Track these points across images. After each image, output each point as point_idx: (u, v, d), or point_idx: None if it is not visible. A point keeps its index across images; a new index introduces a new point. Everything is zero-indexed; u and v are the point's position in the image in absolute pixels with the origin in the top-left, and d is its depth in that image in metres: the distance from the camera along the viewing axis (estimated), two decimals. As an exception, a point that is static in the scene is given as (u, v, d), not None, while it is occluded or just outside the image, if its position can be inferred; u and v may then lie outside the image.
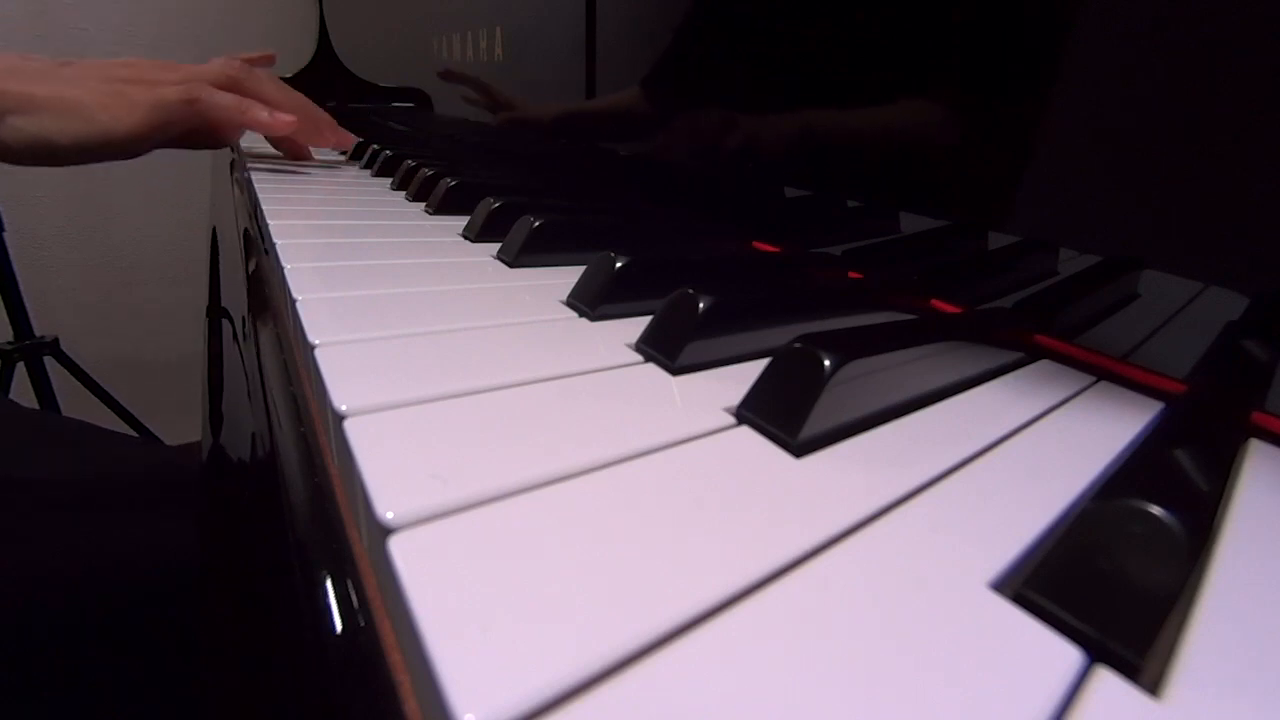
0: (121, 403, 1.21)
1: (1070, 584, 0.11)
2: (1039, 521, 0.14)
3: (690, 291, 0.21)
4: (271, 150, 0.68)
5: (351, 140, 0.70)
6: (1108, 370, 0.24)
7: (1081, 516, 0.12)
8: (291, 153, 0.65)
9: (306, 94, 0.67)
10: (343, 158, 0.72)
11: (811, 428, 0.16)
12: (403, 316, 0.23)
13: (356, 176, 0.60)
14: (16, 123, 0.46)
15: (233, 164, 0.65)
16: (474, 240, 0.37)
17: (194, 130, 0.54)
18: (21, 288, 1.09)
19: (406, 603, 0.10)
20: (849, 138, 0.32)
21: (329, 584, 0.14)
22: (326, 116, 0.68)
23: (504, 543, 0.12)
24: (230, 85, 0.56)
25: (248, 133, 0.76)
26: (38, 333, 1.12)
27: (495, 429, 0.16)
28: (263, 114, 0.56)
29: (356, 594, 0.13)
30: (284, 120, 0.57)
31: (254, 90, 0.58)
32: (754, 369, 0.19)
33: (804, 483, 0.15)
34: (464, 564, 0.11)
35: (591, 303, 0.26)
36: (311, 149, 0.67)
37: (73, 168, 0.50)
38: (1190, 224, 0.21)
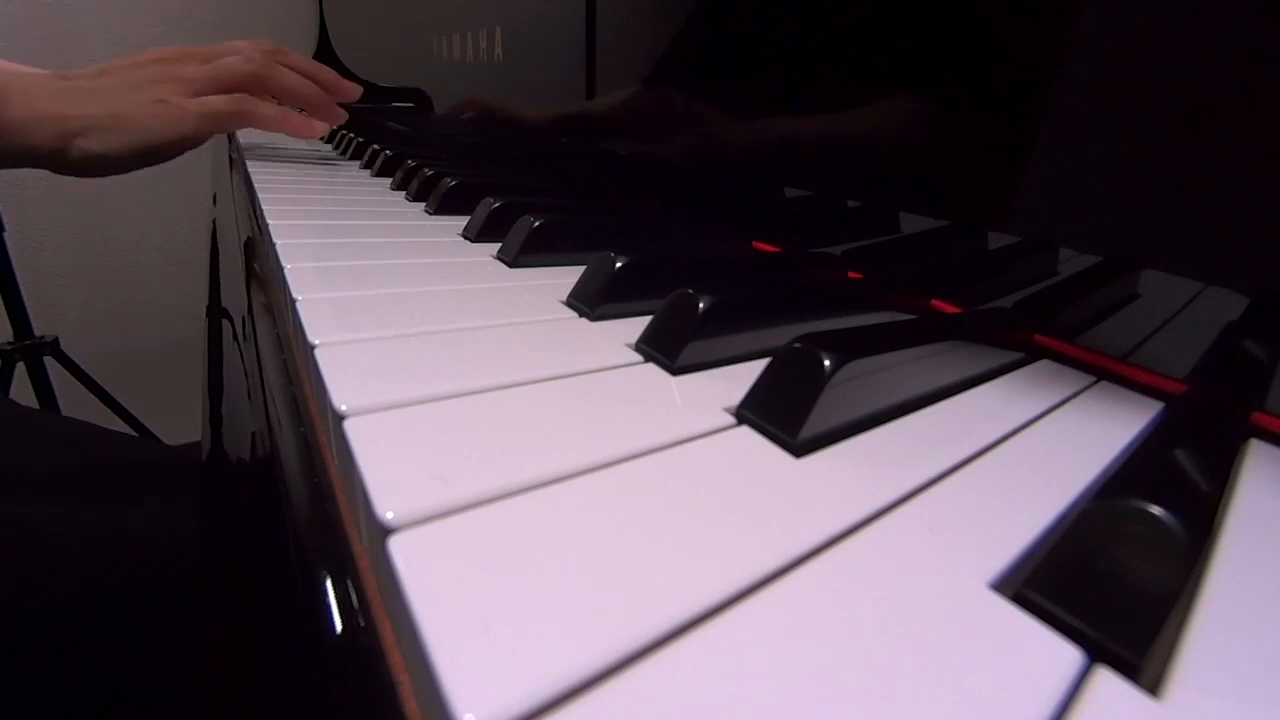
0: (121, 403, 1.21)
1: (1070, 584, 0.11)
2: (1039, 521, 0.14)
3: (690, 291, 0.21)
4: (272, 142, 0.68)
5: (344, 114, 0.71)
6: (1108, 370, 0.24)
7: (1081, 516, 0.12)
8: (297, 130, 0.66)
9: None
10: (342, 156, 0.72)
11: (811, 427, 0.16)
12: (403, 316, 0.23)
13: (356, 176, 0.60)
14: (81, 144, 0.49)
15: (232, 162, 0.65)
16: (474, 240, 0.37)
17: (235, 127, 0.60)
18: (21, 288, 1.09)
19: (406, 603, 0.10)
20: (849, 138, 0.32)
21: (329, 584, 0.14)
22: (342, 85, 0.68)
23: (504, 543, 0.12)
24: (254, 81, 0.60)
25: (248, 130, 0.76)
26: (38, 333, 1.12)
27: (495, 429, 0.16)
28: (297, 124, 0.62)
29: (356, 594, 0.13)
30: (316, 128, 0.63)
31: (277, 85, 0.62)
32: (754, 369, 0.19)
33: (804, 482, 0.15)
34: (464, 564, 0.11)
35: (591, 303, 0.26)
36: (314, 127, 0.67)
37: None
38: (1190, 224, 0.21)
